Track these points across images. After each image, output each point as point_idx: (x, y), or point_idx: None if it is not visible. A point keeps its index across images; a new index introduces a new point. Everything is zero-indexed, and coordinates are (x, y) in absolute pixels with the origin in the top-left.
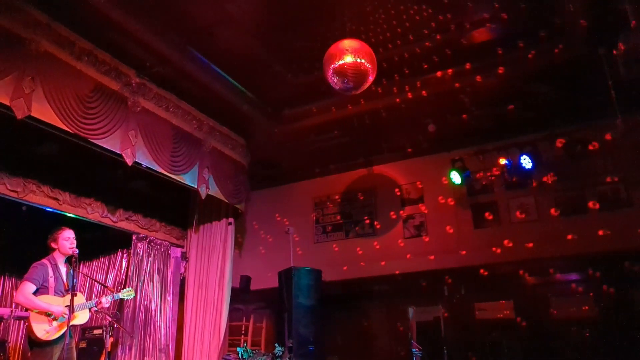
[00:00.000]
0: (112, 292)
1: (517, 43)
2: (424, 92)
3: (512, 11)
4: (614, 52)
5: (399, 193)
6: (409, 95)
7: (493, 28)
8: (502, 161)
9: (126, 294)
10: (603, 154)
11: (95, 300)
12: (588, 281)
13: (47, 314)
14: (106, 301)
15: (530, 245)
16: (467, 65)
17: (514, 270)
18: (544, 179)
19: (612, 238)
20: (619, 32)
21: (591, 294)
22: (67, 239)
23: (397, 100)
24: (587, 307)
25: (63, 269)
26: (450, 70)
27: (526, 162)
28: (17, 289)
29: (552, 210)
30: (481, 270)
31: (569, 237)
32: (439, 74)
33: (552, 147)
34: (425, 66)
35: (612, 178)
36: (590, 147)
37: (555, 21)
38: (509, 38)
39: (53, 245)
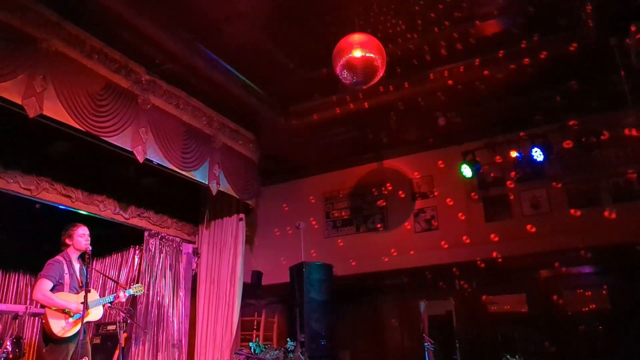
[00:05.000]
0: (124, 288)
1: (528, 34)
2: (434, 85)
3: (522, 2)
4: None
5: (409, 187)
6: (419, 88)
7: (502, 19)
8: (514, 154)
9: (136, 290)
10: (616, 145)
11: (114, 295)
12: (601, 274)
13: (64, 311)
14: (123, 295)
15: (543, 238)
16: (477, 58)
17: (526, 264)
18: (556, 171)
19: (626, 230)
20: (631, 21)
21: (604, 287)
22: (82, 236)
23: (407, 93)
24: (600, 300)
25: (77, 266)
26: (460, 63)
27: (537, 154)
28: (31, 286)
29: (565, 203)
30: (493, 264)
31: (582, 229)
32: (448, 67)
33: (564, 139)
34: (435, 59)
35: (625, 169)
36: (603, 139)
37: (567, 12)
38: (520, 30)
39: (68, 241)
